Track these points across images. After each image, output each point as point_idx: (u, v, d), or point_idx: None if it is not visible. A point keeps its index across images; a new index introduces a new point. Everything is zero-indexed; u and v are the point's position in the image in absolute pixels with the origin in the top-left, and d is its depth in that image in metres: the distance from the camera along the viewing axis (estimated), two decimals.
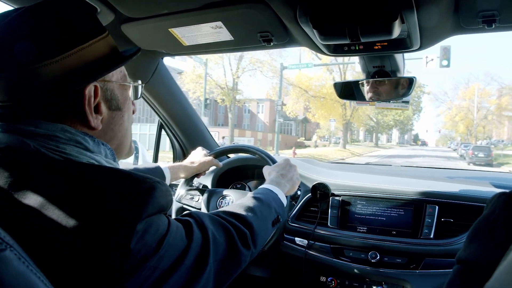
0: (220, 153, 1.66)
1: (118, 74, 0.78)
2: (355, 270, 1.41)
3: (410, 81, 1.36)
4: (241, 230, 0.85)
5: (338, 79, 27.16)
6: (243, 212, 0.91)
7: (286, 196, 1.19)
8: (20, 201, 0.58)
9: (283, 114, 35.17)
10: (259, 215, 0.94)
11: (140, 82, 0.88)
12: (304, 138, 46.42)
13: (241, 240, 0.84)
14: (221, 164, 1.69)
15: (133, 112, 0.86)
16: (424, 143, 70.77)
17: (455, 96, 57.38)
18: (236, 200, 1.56)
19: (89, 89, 0.69)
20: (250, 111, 46.58)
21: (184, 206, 1.63)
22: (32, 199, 0.59)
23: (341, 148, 32.56)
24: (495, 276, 0.39)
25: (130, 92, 0.83)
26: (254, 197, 1.02)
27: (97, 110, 0.72)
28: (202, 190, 1.66)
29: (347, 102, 27.46)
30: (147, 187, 0.63)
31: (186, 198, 1.66)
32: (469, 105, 51.55)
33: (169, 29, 1.29)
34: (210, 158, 1.59)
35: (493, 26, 1.03)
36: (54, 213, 0.57)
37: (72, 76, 0.67)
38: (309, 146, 37.66)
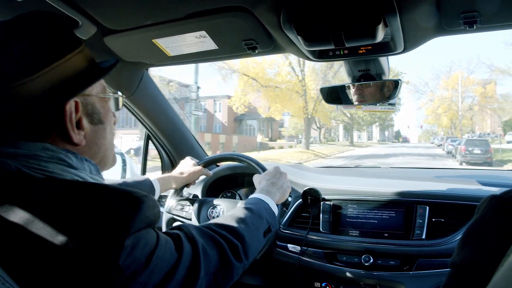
0: (209, 162, 1.65)
1: (98, 87, 0.77)
2: (349, 274, 1.41)
3: (396, 84, 1.38)
4: (232, 243, 0.84)
5: (296, 65, 24.44)
6: (234, 224, 0.90)
7: (277, 205, 1.18)
8: (3, 222, 0.57)
9: (250, 112, 32.14)
10: (251, 226, 0.94)
11: (120, 93, 0.86)
12: (269, 139, 39.60)
13: (233, 252, 0.83)
14: (211, 173, 1.68)
15: (114, 123, 0.84)
16: (405, 140, 67.02)
17: (437, 86, 52.58)
18: (226, 209, 1.55)
19: (70, 105, 0.68)
20: (206, 110, 37.68)
21: (175, 217, 1.62)
22: (16, 219, 0.57)
23: (303, 149, 26.23)
24: (494, 282, 0.38)
25: (111, 104, 0.82)
26: (245, 208, 1.01)
27: (79, 125, 0.71)
28: (192, 200, 1.65)
29: (309, 94, 24.83)
30: (134, 201, 0.62)
31: (176, 208, 1.64)
32: (452, 95, 47.53)
33: (153, 40, 1.28)
34: (200, 167, 1.58)
35: (474, 27, 1.05)
36: (38, 233, 0.56)
37: (51, 93, 0.65)
38: (273, 147, 32.12)
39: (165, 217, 1.63)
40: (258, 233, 0.97)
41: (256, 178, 1.32)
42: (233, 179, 1.89)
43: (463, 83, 45.98)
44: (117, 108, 0.86)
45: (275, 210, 1.12)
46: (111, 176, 1.98)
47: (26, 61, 0.64)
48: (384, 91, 1.42)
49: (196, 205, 1.61)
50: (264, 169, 1.45)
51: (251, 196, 1.14)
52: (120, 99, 0.86)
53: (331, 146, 37.72)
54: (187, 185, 1.59)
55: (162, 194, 1.55)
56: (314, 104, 25.32)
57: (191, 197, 1.68)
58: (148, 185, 1.38)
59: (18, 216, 0.57)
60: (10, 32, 0.65)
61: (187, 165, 1.57)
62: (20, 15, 0.67)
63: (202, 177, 1.67)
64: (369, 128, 57.97)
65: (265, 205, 1.09)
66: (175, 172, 1.54)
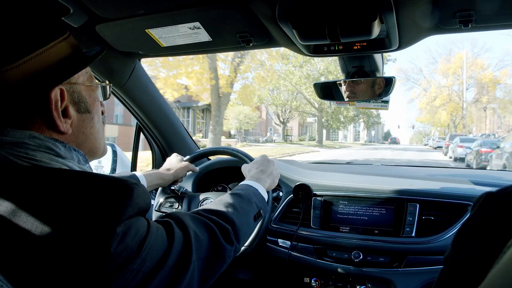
0: (196, 158, 1.65)
1: (84, 75, 0.76)
2: (339, 270, 1.41)
3: (389, 81, 1.37)
4: (222, 226, 0.85)
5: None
6: (223, 209, 0.91)
7: (268, 192, 1.18)
8: None
9: (184, 97, 22.43)
10: (240, 210, 0.94)
11: (107, 82, 0.85)
12: (202, 135, 27.43)
13: (224, 236, 0.83)
14: (197, 169, 1.67)
15: (103, 113, 0.84)
16: (394, 141, 56.92)
17: (434, 72, 41.75)
18: None
19: (55, 93, 0.67)
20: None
21: (165, 214, 1.61)
22: (2, 209, 0.56)
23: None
24: (489, 280, 0.38)
25: (98, 93, 0.81)
26: (234, 193, 1.02)
27: (65, 114, 0.70)
28: (181, 196, 1.63)
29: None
30: (124, 188, 0.61)
31: (165, 206, 1.63)
32: (453, 82, 36.95)
33: (146, 30, 1.26)
34: (186, 163, 1.57)
35: (470, 26, 1.05)
36: (26, 222, 0.55)
37: (35, 80, 0.64)
38: (205, 145, 21.38)
39: (154, 215, 1.63)
40: (248, 217, 0.98)
41: (244, 168, 1.32)
42: (224, 173, 1.89)
43: (470, 65, 35.28)
44: (105, 98, 0.86)
45: (265, 196, 1.13)
46: (98, 168, 1.96)
47: (9, 47, 0.63)
48: (375, 88, 1.42)
49: (185, 201, 1.60)
50: (251, 159, 1.45)
51: (240, 183, 1.15)
52: (108, 88, 0.86)
53: (292, 146, 27.47)
54: (174, 182, 1.58)
55: (149, 190, 1.54)
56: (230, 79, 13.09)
57: (179, 193, 1.67)
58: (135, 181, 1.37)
59: (4, 206, 0.56)
60: None
61: (173, 162, 1.56)
62: (3, 1, 0.65)
63: (191, 172, 1.66)
64: (356, 127, 50.38)
65: (254, 190, 1.09)
66: (162, 168, 1.53)
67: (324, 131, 40.33)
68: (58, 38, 0.69)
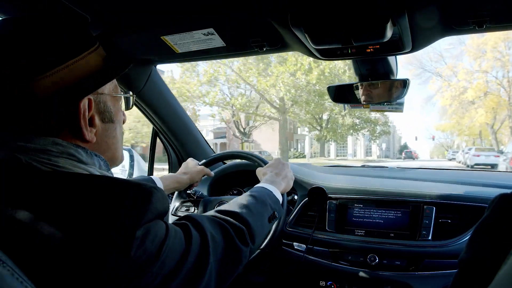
0: (211, 162, 1.66)
1: (110, 85, 0.78)
2: (354, 274, 1.41)
3: (404, 83, 1.37)
4: (237, 227, 0.85)
5: None
6: (237, 210, 0.92)
7: (283, 195, 1.19)
8: (13, 216, 0.57)
9: None
10: (254, 211, 0.95)
11: (131, 93, 0.87)
12: None
13: (239, 236, 0.84)
14: (212, 173, 1.68)
15: (123, 122, 0.85)
16: (410, 156, 42.40)
17: (461, 54, 29.35)
18: None
19: (84, 103, 0.69)
20: None
21: (181, 216, 1.62)
22: (25, 214, 0.57)
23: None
24: (496, 281, 0.38)
25: (122, 103, 0.83)
26: (248, 195, 1.02)
27: (91, 123, 0.72)
28: (197, 200, 1.65)
29: None
30: (144, 193, 0.63)
31: (181, 210, 1.65)
32: (492, 63, 23.90)
33: (161, 37, 1.29)
34: (201, 167, 1.59)
35: (484, 27, 1.04)
36: (48, 226, 0.56)
37: (66, 91, 0.66)
38: None
39: (171, 219, 1.64)
40: (263, 218, 0.98)
41: (259, 171, 1.33)
42: (239, 177, 1.90)
43: None
44: (128, 108, 0.88)
45: (279, 198, 1.13)
46: (117, 173, 2.00)
47: (42, 58, 0.65)
48: (392, 91, 1.41)
49: (201, 205, 1.62)
50: (266, 163, 1.46)
51: (255, 186, 1.16)
52: (131, 99, 0.88)
53: None
54: (190, 186, 1.60)
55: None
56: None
57: (195, 197, 1.68)
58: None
59: (28, 210, 0.58)
60: (27, 28, 0.66)
61: (189, 166, 1.58)
62: (37, 12, 0.68)
63: (206, 176, 1.68)
64: (358, 138, 32.51)
65: (269, 192, 1.10)
66: (178, 172, 1.55)
67: (318, 144, 32.28)
68: (88, 50, 0.71)
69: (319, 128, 26.51)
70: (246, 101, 22.35)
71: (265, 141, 34.71)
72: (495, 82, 25.58)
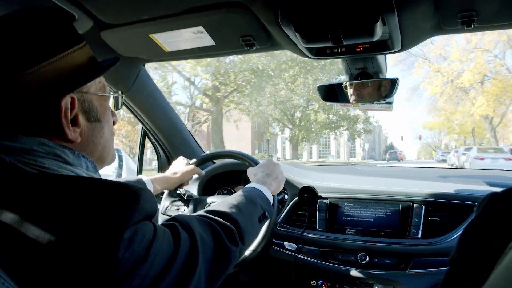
0: (202, 161, 1.65)
1: (97, 85, 0.77)
2: (345, 273, 1.41)
3: (393, 82, 1.37)
4: (226, 227, 0.85)
5: None
6: (226, 210, 0.91)
7: (273, 196, 1.18)
8: None
9: None
10: (244, 211, 0.94)
11: (120, 92, 0.86)
12: None
13: (228, 237, 0.84)
14: (203, 172, 1.67)
15: (114, 123, 0.84)
16: (395, 157, 36.72)
17: (451, 39, 22.14)
18: None
19: (66, 101, 0.67)
20: None
21: (170, 217, 1.61)
22: (10, 216, 0.56)
23: None
24: (491, 281, 0.38)
25: (110, 103, 0.82)
26: (238, 195, 1.02)
27: (74, 122, 0.71)
28: (187, 200, 1.64)
29: None
30: (131, 194, 0.62)
31: (171, 210, 1.64)
32: (496, 39, 18.68)
33: (150, 35, 1.27)
34: (192, 167, 1.57)
35: (472, 27, 1.05)
36: (34, 228, 0.55)
37: (48, 88, 0.65)
38: None
39: (160, 219, 1.63)
40: (253, 218, 0.98)
41: (250, 171, 1.32)
42: (230, 177, 1.89)
43: None
44: (117, 108, 0.87)
45: (270, 198, 1.13)
46: (105, 174, 1.97)
47: (25, 54, 0.64)
48: (381, 90, 1.42)
49: (191, 205, 1.61)
50: (257, 163, 1.45)
51: (245, 186, 1.15)
52: (120, 98, 0.87)
53: None
54: (180, 185, 1.59)
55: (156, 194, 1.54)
56: None
57: (185, 196, 1.67)
58: (141, 185, 1.38)
59: (13, 212, 0.57)
60: (10, 24, 0.65)
61: (179, 165, 1.56)
62: (22, 8, 0.67)
63: (196, 176, 1.67)
64: (337, 138, 29.97)
65: (259, 193, 1.09)
66: (168, 172, 1.53)
67: (290, 145, 27.38)
68: (73, 47, 0.70)
69: (290, 126, 23.57)
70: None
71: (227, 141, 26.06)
72: (498, 63, 20.29)
